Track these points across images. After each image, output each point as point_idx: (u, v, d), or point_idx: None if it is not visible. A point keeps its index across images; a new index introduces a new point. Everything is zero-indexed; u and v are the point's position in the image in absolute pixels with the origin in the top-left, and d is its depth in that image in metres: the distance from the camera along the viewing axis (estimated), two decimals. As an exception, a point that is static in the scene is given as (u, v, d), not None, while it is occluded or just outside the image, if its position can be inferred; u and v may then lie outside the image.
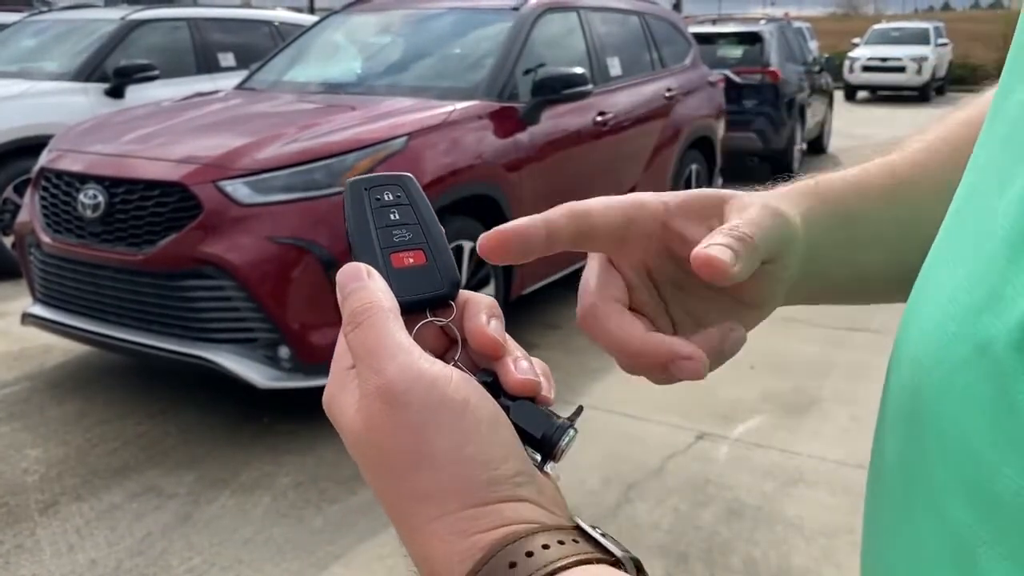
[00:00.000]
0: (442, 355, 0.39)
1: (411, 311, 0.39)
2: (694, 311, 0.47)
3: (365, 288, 0.38)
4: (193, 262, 2.91)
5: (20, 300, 4.09)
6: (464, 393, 0.34)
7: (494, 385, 0.38)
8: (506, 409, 0.36)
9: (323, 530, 2.48)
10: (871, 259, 0.49)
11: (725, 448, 2.99)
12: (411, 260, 0.41)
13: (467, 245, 3.47)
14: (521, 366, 0.38)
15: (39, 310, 3.38)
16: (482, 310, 0.40)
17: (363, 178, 0.43)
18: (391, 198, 0.43)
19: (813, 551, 2.37)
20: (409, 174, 0.44)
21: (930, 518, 0.27)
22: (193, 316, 2.95)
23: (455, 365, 0.37)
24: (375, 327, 0.36)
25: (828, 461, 2.87)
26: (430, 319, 0.40)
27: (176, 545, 2.42)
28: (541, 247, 0.43)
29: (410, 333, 0.37)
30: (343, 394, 0.36)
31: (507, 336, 0.39)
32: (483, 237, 0.42)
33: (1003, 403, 0.23)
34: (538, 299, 4.23)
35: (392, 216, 0.42)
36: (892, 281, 0.48)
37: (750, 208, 0.43)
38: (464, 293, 0.41)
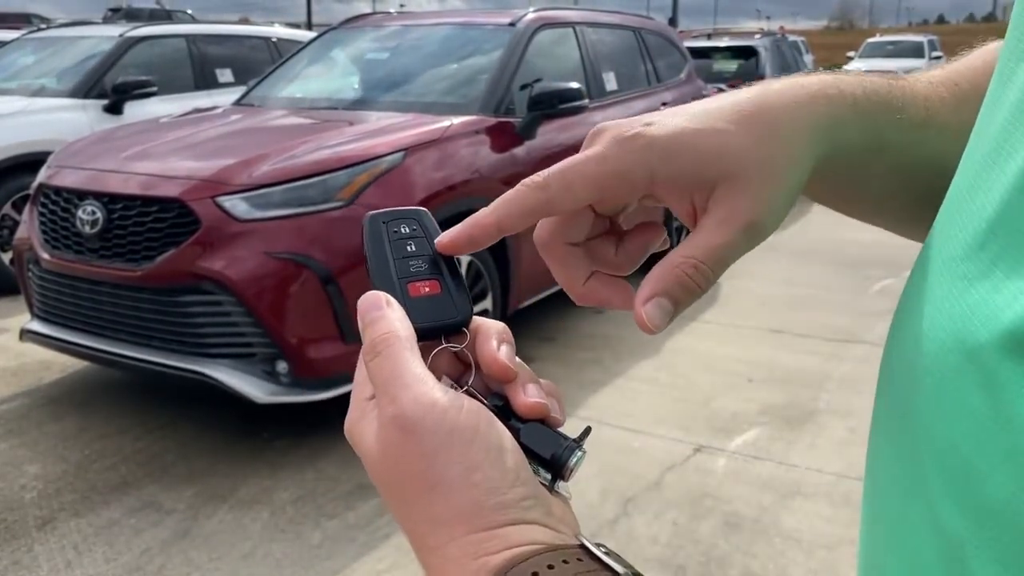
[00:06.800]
0: (457, 378, 0.42)
1: (427, 337, 0.41)
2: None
3: (384, 318, 0.39)
4: (191, 277, 2.91)
5: (18, 316, 4.09)
6: (474, 421, 0.36)
7: (505, 408, 0.39)
8: (516, 431, 0.38)
9: (321, 545, 2.48)
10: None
11: (723, 461, 2.99)
12: (427, 289, 0.43)
13: (463, 259, 3.48)
14: (530, 390, 0.40)
15: (37, 326, 3.38)
16: (492, 336, 0.41)
17: (382, 212, 0.46)
18: (408, 231, 0.45)
19: (812, 564, 2.37)
20: (425, 209, 0.46)
21: (925, 526, 0.27)
22: (191, 331, 2.95)
23: (469, 389, 0.40)
24: (392, 357, 0.37)
25: (826, 473, 2.87)
26: (445, 345, 0.42)
27: (175, 561, 2.41)
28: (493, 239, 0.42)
29: (426, 358, 0.39)
30: (363, 422, 0.38)
31: (517, 360, 0.41)
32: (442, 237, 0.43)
33: (993, 411, 0.23)
34: (535, 312, 4.24)
35: (409, 248, 0.44)
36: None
37: (727, 222, 0.39)
38: (476, 319, 0.43)
